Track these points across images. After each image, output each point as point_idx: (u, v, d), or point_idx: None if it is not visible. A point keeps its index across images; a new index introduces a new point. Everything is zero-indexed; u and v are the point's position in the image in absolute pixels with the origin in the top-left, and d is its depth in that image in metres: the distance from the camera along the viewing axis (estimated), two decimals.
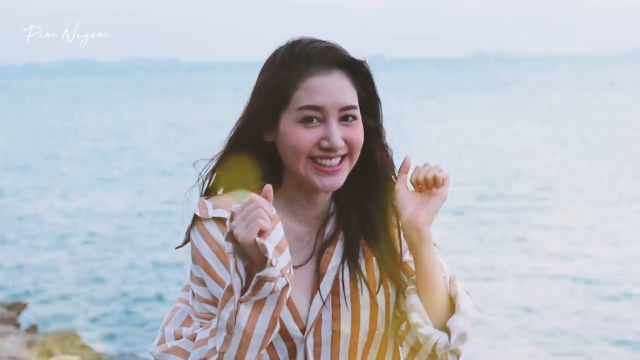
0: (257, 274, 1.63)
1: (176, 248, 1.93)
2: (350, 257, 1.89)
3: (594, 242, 17.44)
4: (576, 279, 14.68)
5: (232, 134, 1.89)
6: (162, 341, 1.85)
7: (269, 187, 1.71)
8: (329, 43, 1.85)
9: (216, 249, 1.83)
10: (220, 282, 1.82)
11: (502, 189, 23.99)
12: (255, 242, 1.63)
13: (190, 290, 1.88)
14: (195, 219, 1.86)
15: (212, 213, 1.85)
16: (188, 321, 1.87)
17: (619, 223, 19.18)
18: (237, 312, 1.66)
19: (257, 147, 1.87)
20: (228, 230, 1.68)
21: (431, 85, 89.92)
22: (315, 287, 1.87)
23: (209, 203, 1.86)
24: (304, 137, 1.81)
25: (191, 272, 1.87)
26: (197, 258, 1.85)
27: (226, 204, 1.83)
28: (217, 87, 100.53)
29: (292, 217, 1.90)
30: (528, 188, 23.90)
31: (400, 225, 1.88)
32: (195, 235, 1.86)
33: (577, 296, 13.84)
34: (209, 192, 1.92)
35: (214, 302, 1.82)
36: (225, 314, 1.68)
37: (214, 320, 1.73)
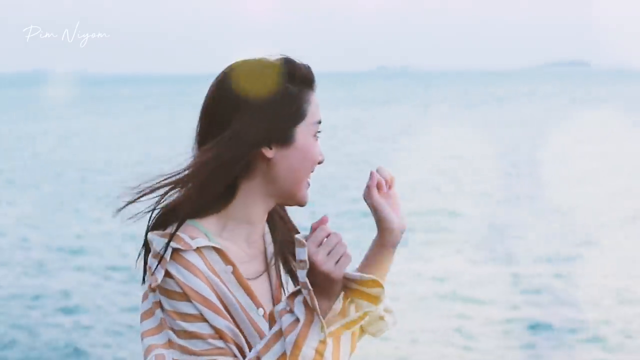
0: (367, 310, 1.79)
1: (151, 286, 1.83)
2: (291, 271, 1.98)
3: None
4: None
5: (217, 152, 1.83)
6: None
7: (326, 218, 1.77)
8: (300, 65, 1.92)
9: (206, 281, 1.81)
10: (220, 314, 1.82)
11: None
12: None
13: (173, 332, 1.82)
14: (174, 252, 1.81)
15: (195, 244, 1.82)
16: None
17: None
18: (323, 344, 1.74)
19: (237, 167, 1.84)
20: (306, 261, 1.72)
21: (334, 99, 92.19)
22: (273, 301, 1.94)
23: (183, 235, 1.83)
24: (318, 150, 1.89)
25: (176, 311, 1.81)
26: (190, 294, 1.80)
27: (198, 234, 1.84)
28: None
29: (242, 238, 1.91)
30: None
31: (385, 227, 1.86)
32: (180, 270, 1.81)
33: None
34: (159, 224, 1.89)
35: (220, 336, 1.81)
36: (293, 348, 1.72)
37: (252, 353, 1.77)
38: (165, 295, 1.81)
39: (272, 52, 1.93)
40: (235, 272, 1.85)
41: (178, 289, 1.80)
